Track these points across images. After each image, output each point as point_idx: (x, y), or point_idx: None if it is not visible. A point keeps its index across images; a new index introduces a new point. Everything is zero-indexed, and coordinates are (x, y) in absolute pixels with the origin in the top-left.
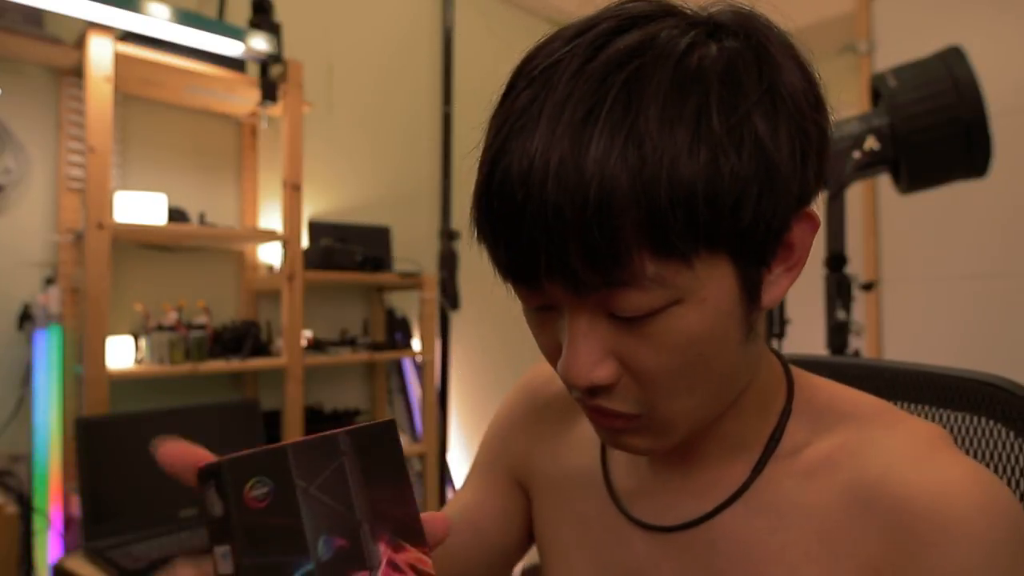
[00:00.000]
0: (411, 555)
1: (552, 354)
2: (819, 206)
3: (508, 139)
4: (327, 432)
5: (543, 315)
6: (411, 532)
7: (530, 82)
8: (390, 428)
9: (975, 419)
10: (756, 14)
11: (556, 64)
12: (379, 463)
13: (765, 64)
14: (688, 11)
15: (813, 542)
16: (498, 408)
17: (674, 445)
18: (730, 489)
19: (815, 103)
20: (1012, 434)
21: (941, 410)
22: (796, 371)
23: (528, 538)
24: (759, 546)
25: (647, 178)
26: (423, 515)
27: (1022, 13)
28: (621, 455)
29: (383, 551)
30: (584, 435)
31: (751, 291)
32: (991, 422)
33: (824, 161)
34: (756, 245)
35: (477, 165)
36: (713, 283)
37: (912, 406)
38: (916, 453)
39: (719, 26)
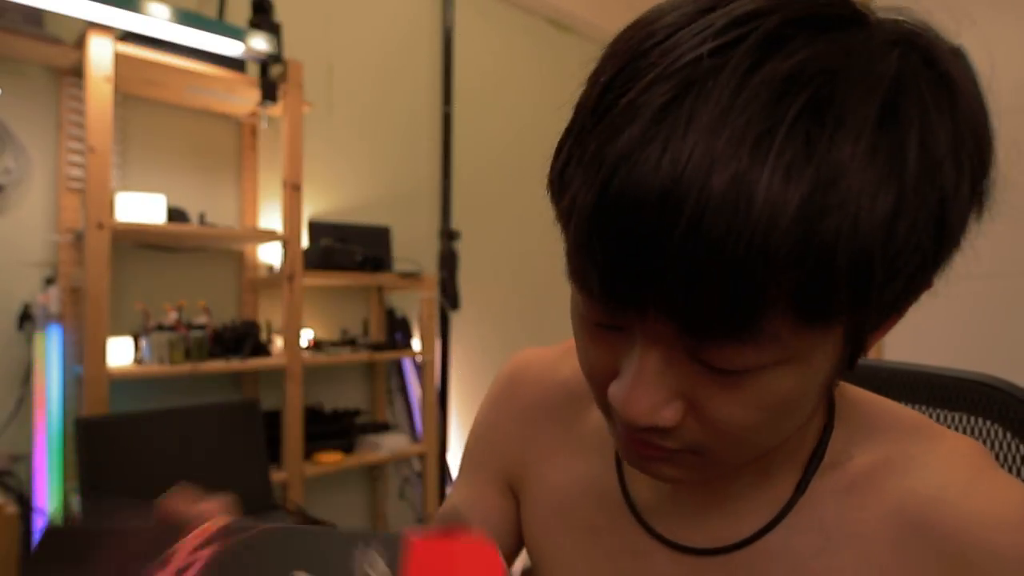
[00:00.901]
0: None
1: (601, 372)
2: None
3: (642, 143)
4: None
5: (606, 332)
6: None
7: (667, 76)
8: None
9: (972, 419)
10: (940, 36)
11: (705, 61)
12: None
13: (958, 103)
14: (871, 15)
15: (862, 566)
16: (481, 405)
17: (704, 480)
18: (771, 509)
19: (990, 156)
20: (1009, 434)
21: (938, 410)
22: (837, 385)
23: (520, 543)
24: (803, 569)
25: (829, 229)
26: None
27: (1022, 13)
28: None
29: None
30: (586, 437)
31: (853, 356)
32: (988, 422)
33: (984, 194)
34: (886, 314)
35: (577, 161)
36: (825, 348)
37: (911, 406)
38: (965, 476)
39: (927, 46)
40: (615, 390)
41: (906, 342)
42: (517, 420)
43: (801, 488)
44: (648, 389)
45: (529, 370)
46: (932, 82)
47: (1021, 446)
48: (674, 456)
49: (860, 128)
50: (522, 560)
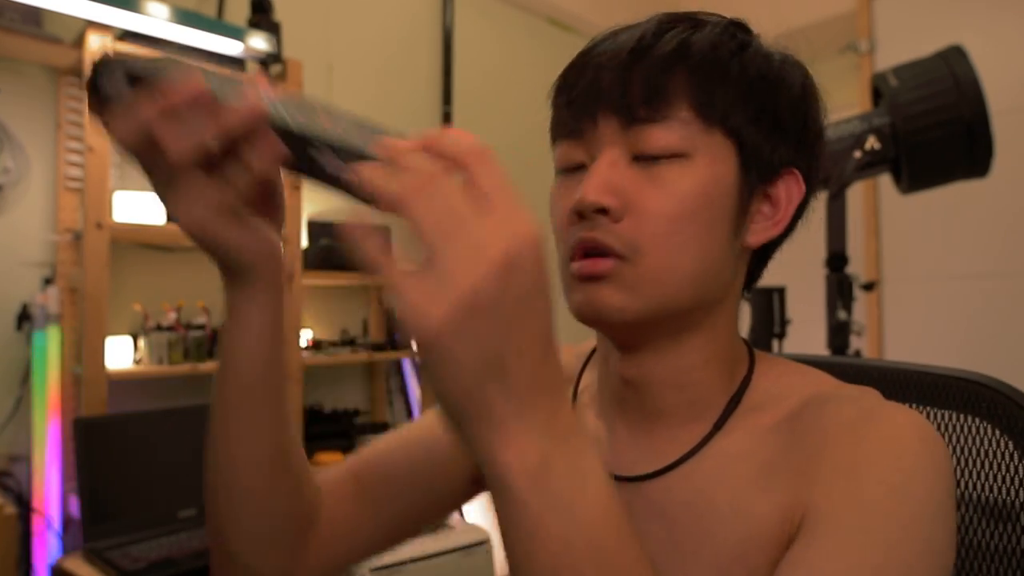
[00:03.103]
0: None
1: (565, 220)
2: (820, 205)
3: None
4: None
5: (570, 179)
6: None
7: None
8: None
9: (964, 417)
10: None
11: (608, 46)
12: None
13: (808, 80)
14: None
15: (753, 470)
16: None
17: (641, 314)
18: (691, 444)
19: (812, 97)
20: (998, 431)
21: (930, 408)
22: (758, 351)
23: (473, 485)
24: (709, 489)
25: (704, 51)
26: None
27: (1022, 13)
28: (588, 417)
29: None
30: None
31: (743, 193)
32: (978, 420)
33: (816, 152)
34: (755, 153)
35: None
36: (721, 156)
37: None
38: (850, 397)
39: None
40: (577, 192)
41: (908, 342)
42: None
43: (719, 424)
44: (599, 175)
45: None
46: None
47: (1010, 443)
48: (612, 270)
49: (714, 36)
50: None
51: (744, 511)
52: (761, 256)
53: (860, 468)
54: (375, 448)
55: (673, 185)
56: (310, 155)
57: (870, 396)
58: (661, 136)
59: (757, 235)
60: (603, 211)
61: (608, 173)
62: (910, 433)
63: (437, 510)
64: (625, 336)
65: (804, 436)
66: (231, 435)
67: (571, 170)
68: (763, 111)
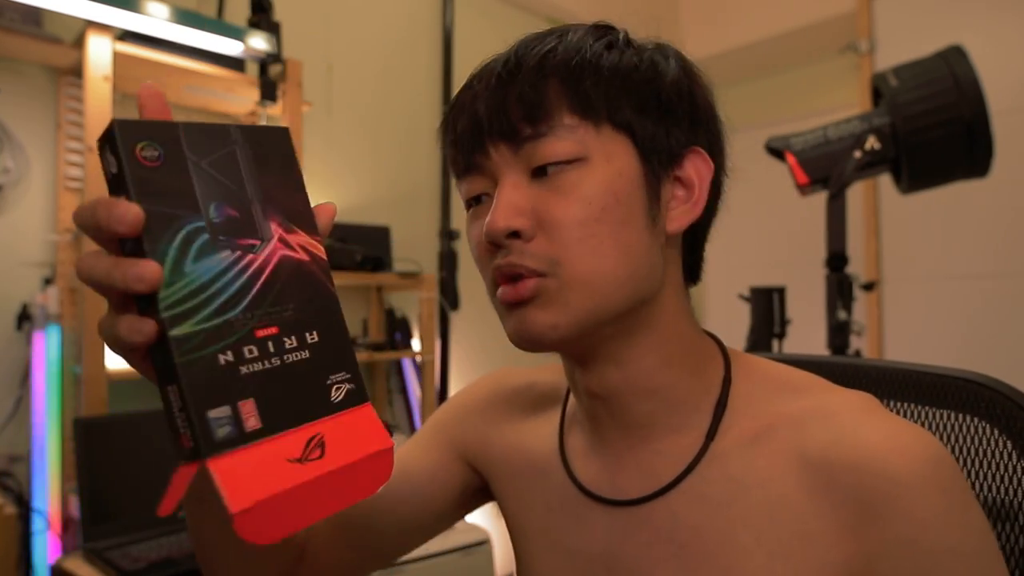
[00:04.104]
0: (303, 238)
1: (482, 251)
2: (805, 202)
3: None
4: (220, 123)
5: (478, 210)
6: (303, 219)
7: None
8: (284, 134)
9: (962, 417)
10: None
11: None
12: (271, 158)
13: (683, 61)
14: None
15: (776, 507)
16: (460, 390)
17: (576, 323)
18: (683, 458)
19: (692, 75)
20: (997, 431)
21: (929, 409)
22: (731, 348)
23: (459, 510)
24: (722, 513)
25: (571, 56)
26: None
27: (1022, 13)
28: (577, 440)
29: (275, 229)
30: (545, 424)
31: (651, 181)
32: (977, 420)
33: (713, 125)
34: (650, 142)
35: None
36: (616, 151)
37: (900, 405)
38: (854, 419)
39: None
40: (486, 221)
41: (908, 342)
42: (489, 409)
43: (711, 434)
44: (504, 201)
45: (509, 376)
46: (637, 43)
47: (1009, 443)
48: (536, 289)
49: (583, 34)
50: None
51: (777, 552)
52: (692, 243)
53: (922, 540)
54: None
55: (576, 190)
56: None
57: (873, 413)
58: (552, 147)
59: (677, 220)
60: (515, 234)
61: (511, 196)
62: (934, 471)
63: (422, 537)
64: (572, 351)
65: (830, 478)
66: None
67: (476, 200)
68: (645, 99)
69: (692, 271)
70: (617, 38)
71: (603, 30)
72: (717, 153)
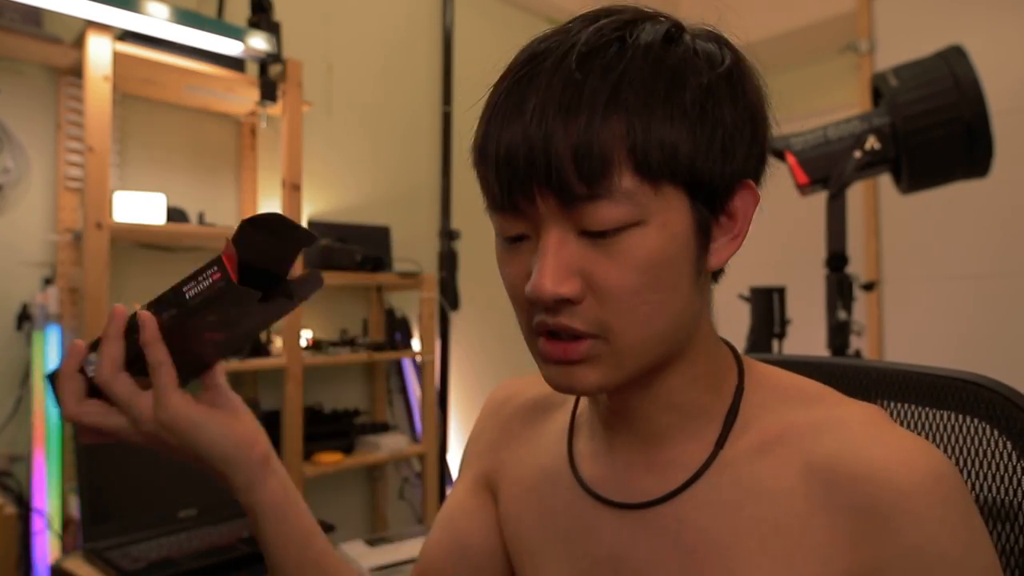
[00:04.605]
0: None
1: (519, 283)
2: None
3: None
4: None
5: (516, 247)
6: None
7: (524, 62)
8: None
9: (962, 418)
10: (720, 32)
11: (544, 50)
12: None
13: (734, 65)
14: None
15: (782, 516)
16: (474, 423)
17: (621, 382)
18: (693, 465)
19: (764, 106)
20: (997, 432)
21: (928, 409)
22: (745, 358)
23: (501, 537)
24: (727, 520)
25: (639, 83)
26: None
27: (1022, 13)
28: (586, 444)
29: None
30: (550, 435)
31: (703, 234)
32: (976, 421)
33: (764, 148)
34: (708, 190)
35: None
36: (673, 212)
37: (899, 405)
38: (863, 432)
39: (690, 29)
40: (529, 283)
41: (908, 342)
42: (496, 430)
43: (720, 443)
44: (550, 264)
45: (510, 392)
46: (708, 50)
47: (1008, 443)
48: (587, 351)
49: (641, 81)
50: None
51: (781, 560)
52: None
53: (924, 554)
54: (425, 561)
55: (630, 256)
56: None
57: (880, 426)
58: (607, 213)
59: (718, 255)
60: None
61: (560, 256)
62: (937, 485)
63: None
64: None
65: (835, 489)
66: None
67: (514, 239)
68: (712, 139)
69: (715, 274)
70: (679, 53)
71: (671, 36)
72: (762, 166)
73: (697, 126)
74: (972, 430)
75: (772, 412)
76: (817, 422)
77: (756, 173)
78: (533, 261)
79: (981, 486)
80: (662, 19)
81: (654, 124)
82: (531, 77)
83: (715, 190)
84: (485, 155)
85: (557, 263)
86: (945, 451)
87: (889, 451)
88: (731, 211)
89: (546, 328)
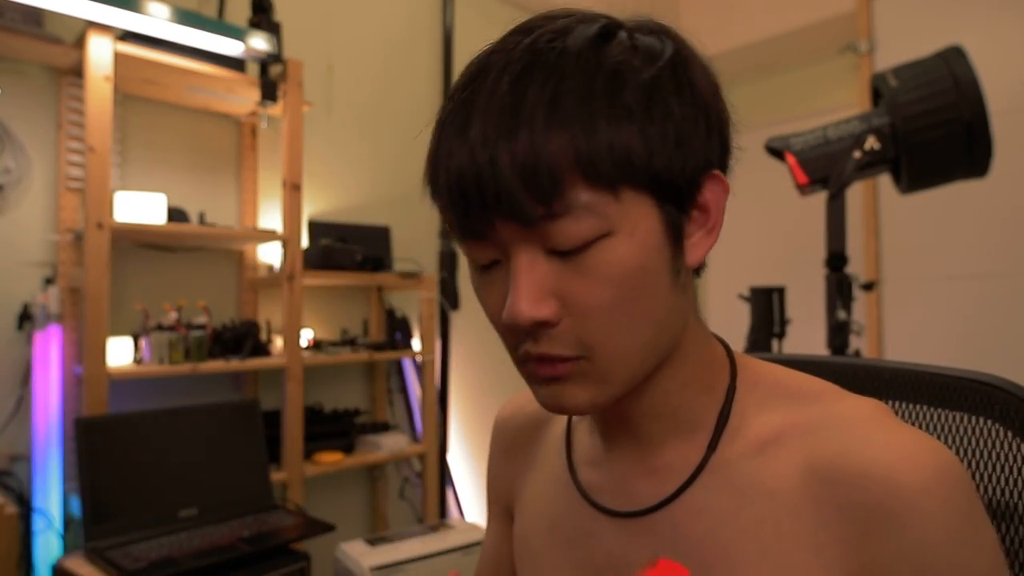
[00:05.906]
0: None
1: (497, 311)
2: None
3: (451, 122)
4: None
5: (489, 275)
6: None
7: (466, 82)
8: None
9: (973, 419)
10: (668, 26)
11: (485, 67)
12: None
13: (676, 55)
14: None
15: (783, 518)
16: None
17: (613, 398)
18: (687, 469)
19: (716, 92)
20: (1010, 434)
21: (939, 410)
22: (739, 354)
23: None
24: (726, 525)
25: (576, 91)
26: None
27: (1022, 13)
28: (585, 451)
29: None
30: (551, 444)
31: (674, 234)
32: (989, 422)
33: (727, 135)
34: (672, 188)
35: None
36: (639, 218)
37: (910, 406)
38: (865, 428)
39: (628, 24)
40: (506, 309)
41: (907, 342)
42: (503, 455)
43: (712, 445)
44: (523, 288)
45: (508, 413)
46: (650, 45)
47: (1022, 445)
48: (572, 370)
49: (577, 86)
50: None
51: (782, 564)
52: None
53: (928, 556)
54: None
55: (602, 270)
56: None
57: (883, 423)
58: (570, 230)
59: (695, 252)
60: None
61: (531, 278)
62: (941, 483)
63: None
64: None
65: (837, 488)
66: None
67: (487, 266)
68: (665, 134)
69: (698, 270)
70: (619, 38)
71: (602, 29)
72: (726, 154)
73: (646, 125)
74: (985, 432)
75: (770, 411)
76: (818, 420)
77: (721, 162)
78: (507, 288)
79: (994, 489)
80: (598, 19)
81: (599, 131)
82: (472, 99)
83: (679, 187)
84: (437, 186)
85: (530, 286)
86: (957, 453)
87: (893, 448)
88: (702, 205)
89: (530, 358)
